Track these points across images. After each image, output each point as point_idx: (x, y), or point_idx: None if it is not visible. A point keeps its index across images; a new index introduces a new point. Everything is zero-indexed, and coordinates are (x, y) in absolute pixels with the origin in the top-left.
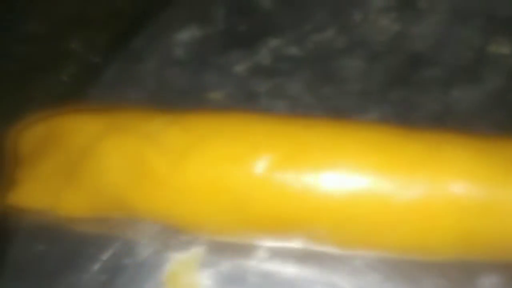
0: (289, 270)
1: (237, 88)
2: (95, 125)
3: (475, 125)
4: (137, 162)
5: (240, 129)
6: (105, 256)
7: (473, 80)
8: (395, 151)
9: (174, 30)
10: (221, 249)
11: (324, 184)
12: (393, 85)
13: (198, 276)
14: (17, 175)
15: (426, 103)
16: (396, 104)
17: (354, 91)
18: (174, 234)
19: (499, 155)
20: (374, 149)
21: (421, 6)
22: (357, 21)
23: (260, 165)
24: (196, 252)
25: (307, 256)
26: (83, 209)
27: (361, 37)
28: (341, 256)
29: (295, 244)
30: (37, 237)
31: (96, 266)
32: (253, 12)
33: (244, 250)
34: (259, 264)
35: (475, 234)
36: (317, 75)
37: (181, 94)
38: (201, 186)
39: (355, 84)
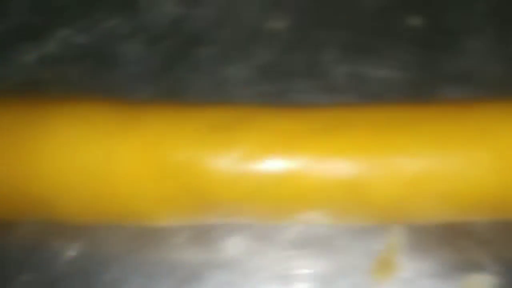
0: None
1: (25, 77)
2: None
3: (243, 98)
4: None
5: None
6: None
7: (245, 56)
8: (128, 127)
9: None
10: None
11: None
12: (169, 65)
13: None
14: None
15: (199, 81)
16: (170, 84)
17: (133, 74)
18: None
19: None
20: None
21: None
22: (142, 7)
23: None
24: None
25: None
26: None
27: (144, 22)
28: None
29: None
30: None
31: None
32: (45, 6)
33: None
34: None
35: None
36: (99, 61)
37: None
38: None
39: (134, 67)
